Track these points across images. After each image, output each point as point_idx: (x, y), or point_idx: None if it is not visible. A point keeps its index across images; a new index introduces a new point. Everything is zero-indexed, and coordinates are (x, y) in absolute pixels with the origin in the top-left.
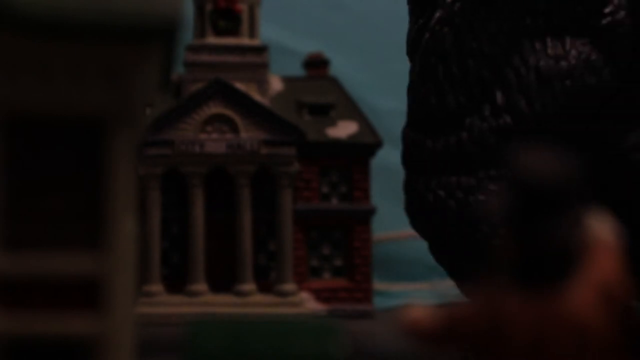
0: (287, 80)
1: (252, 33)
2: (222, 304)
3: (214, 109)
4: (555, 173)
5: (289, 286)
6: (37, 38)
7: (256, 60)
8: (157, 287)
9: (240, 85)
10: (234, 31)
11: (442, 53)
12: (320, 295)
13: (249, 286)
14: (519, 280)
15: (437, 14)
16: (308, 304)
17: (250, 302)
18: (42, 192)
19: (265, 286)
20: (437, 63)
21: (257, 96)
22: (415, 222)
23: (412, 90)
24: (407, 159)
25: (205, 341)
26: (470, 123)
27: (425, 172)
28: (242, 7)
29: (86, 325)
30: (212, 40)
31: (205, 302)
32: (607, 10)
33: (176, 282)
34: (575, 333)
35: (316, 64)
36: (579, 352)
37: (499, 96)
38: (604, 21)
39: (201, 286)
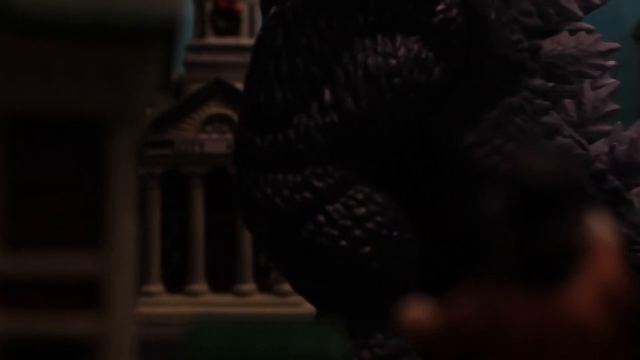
0: None
1: (252, 33)
2: (222, 304)
3: (214, 109)
4: (555, 173)
5: (289, 286)
6: (37, 38)
7: None
8: (157, 287)
9: (240, 85)
10: (234, 31)
11: (273, 50)
12: None
13: (249, 286)
14: (519, 280)
15: (272, 10)
16: (308, 304)
17: (250, 302)
18: (42, 192)
19: (265, 286)
20: (267, 60)
21: None
22: (244, 219)
23: (245, 87)
24: (237, 156)
25: (205, 341)
26: (298, 121)
27: (253, 170)
28: (242, 7)
29: (86, 325)
30: (212, 40)
31: (205, 302)
32: (439, 7)
33: (176, 282)
34: (575, 333)
35: None
36: (579, 352)
37: (326, 94)
38: (436, 19)
39: (201, 286)
